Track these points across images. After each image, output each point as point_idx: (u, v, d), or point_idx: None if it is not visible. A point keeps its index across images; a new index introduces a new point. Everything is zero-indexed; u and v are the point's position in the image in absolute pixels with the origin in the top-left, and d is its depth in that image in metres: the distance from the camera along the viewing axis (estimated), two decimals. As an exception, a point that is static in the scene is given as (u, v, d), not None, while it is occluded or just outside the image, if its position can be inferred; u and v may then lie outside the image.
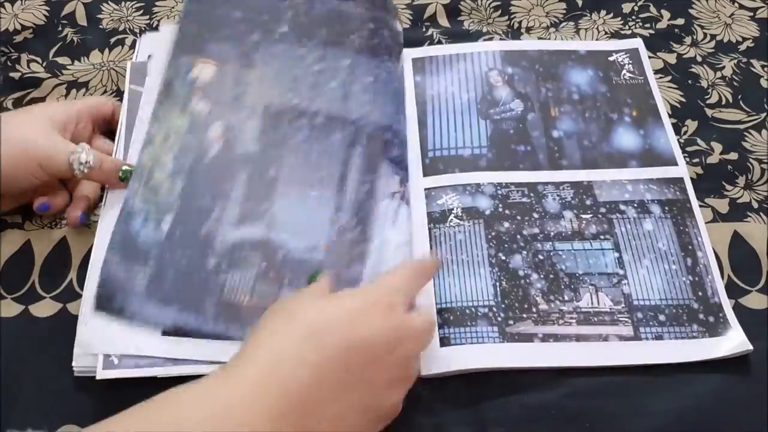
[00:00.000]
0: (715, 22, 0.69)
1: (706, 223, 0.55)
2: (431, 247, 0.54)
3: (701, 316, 0.51)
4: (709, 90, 0.64)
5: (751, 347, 0.49)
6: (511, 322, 0.51)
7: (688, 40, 0.68)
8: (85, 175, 0.53)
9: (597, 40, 0.68)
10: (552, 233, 0.55)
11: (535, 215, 0.56)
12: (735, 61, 0.66)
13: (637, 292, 0.52)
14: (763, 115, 0.62)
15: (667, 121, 0.60)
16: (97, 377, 0.48)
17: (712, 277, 0.53)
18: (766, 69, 0.65)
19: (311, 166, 0.54)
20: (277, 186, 0.54)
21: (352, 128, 0.56)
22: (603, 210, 0.56)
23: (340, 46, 0.60)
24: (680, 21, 0.69)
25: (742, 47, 0.67)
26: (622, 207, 0.56)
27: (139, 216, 0.52)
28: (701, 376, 0.49)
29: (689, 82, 0.64)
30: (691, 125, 0.61)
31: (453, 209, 0.56)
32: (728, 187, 0.58)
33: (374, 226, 0.53)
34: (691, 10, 0.70)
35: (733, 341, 0.50)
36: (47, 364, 0.49)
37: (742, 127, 0.61)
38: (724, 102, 0.63)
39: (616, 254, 0.54)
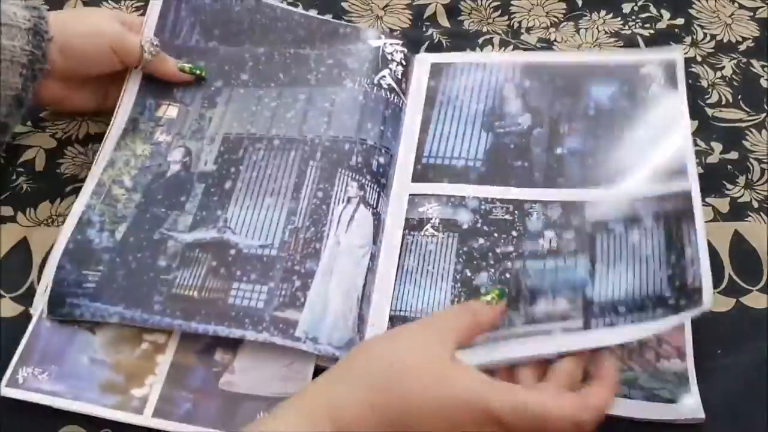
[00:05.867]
0: (715, 22, 0.69)
1: (706, 221, 0.52)
2: (400, 253, 0.54)
3: (671, 301, 0.46)
4: (709, 90, 0.64)
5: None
6: None
7: (688, 39, 0.67)
8: (149, 62, 0.57)
9: (640, 43, 0.66)
10: (526, 252, 0.53)
11: (514, 233, 0.54)
12: (735, 61, 0.66)
13: (599, 292, 0.49)
14: (763, 115, 0.62)
15: (688, 137, 0.54)
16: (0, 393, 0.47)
17: (698, 267, 0.46)
18: (765, 69, 0.65)
19: (267, 179, 0.56)
20: (231, 196, 0.55)
21: (308, 146, 0.57)
22: (588, 229, 0.53)
23: (297, 86, 0.61)
24: (680, 21, 0.69)
25: (742, 47, 0.67)
26: (611, 225, 0.52)
27: (94, 225, 0.54)
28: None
29: (689, 81, 0.62)
30: (692, 125, 0.61)
31: (431, 219, 0.56)
32: (729, 186, 0.58)
33: (328, 227, 0.53)
34: (690, 10, 0.70)
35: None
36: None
37: (743, 125, 0.62)
38: (724, 102, 0.63)
39: (590, 266, 0.51)
